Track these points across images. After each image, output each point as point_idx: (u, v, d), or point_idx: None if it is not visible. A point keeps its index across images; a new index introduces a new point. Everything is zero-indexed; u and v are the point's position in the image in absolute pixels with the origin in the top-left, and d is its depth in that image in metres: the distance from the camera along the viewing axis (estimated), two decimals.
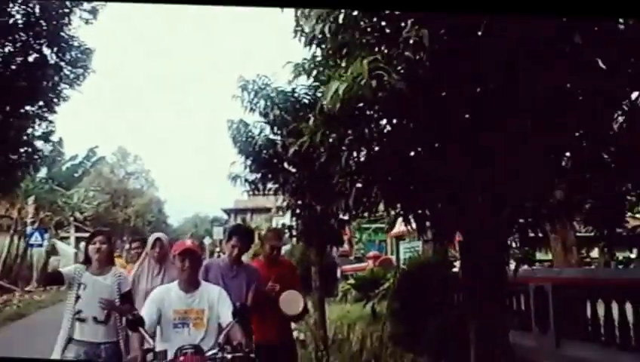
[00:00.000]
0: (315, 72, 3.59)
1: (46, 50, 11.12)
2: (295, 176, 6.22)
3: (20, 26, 10.49)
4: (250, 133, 6.46)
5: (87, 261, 3.84)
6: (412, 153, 3.10)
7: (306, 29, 3.35)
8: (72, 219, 28.14)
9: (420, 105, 2.79)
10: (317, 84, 4.40)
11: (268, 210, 23.91)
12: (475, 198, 2.90)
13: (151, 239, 4.25)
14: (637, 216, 8.23)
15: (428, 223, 3.47)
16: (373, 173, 3.21)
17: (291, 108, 5.63)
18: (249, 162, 6.54)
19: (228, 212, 37.16)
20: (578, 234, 6.80)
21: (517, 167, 2.88)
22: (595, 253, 9.44)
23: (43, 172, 20.85)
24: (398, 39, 2.66)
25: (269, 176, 6.61)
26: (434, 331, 5.76)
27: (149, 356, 2.88)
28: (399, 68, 2.66)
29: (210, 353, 2.85)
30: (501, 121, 2.93)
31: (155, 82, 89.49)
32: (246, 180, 6.85)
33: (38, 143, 12.75)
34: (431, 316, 5.98)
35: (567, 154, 4.43)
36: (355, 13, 2.92)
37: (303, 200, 6.54)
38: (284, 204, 7.12)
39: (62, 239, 28.84)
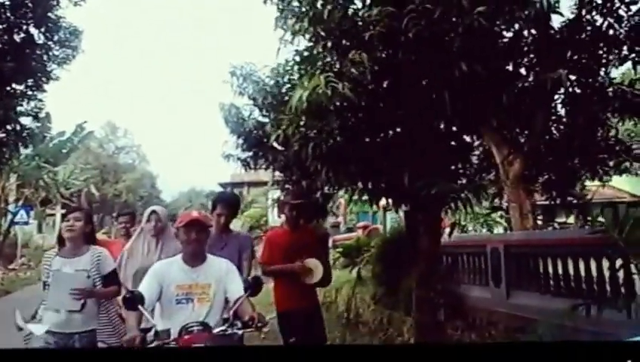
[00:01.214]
0: (287, 75, 4.72)
1: (33, 31, 11.91)
2: (283, 154, 7.30)
3: (7, 6, 11.30)
4: (240, 115, 7.54)
5: (60, 242, 3.62)
6: (360, 143, 4.28)
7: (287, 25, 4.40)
8: (58, 195, 28.44)
9: (363, 108, 3.96)
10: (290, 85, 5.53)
11: (264, 183, 24.90)
12: (404, 178, 4.08)
13: (146, 212, 4.10)
14: (609, 184, 9.46)
15: (383, 198, 4.68)
16: (336, 158, 4.37)
17: (276, 94, 6.68)
18: (240, 141, 7.63)
19: (224, 186, 38.25)
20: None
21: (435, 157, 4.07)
22: (571, 219, 10.76)
23: (29, 149, 21.15)
24: (346, 59, 3.83)
25: (260, 154, 7.71)
26: (406, 290, 7.01)
27: (149, 335, 2.78)
28: (348, 80, 3.80)
29: (218, 329, 2.81)
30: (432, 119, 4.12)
31: (145, 53, 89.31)
32: (238, 158, 7.93)
33: (27, 120, 13.57)
34: (405, 278, 7.22)
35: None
36: (317, 33, 4.04)
37: (290, 176, 7.64)
38: (277, 179, 8.17)
39: (48, 216, 29.45)
